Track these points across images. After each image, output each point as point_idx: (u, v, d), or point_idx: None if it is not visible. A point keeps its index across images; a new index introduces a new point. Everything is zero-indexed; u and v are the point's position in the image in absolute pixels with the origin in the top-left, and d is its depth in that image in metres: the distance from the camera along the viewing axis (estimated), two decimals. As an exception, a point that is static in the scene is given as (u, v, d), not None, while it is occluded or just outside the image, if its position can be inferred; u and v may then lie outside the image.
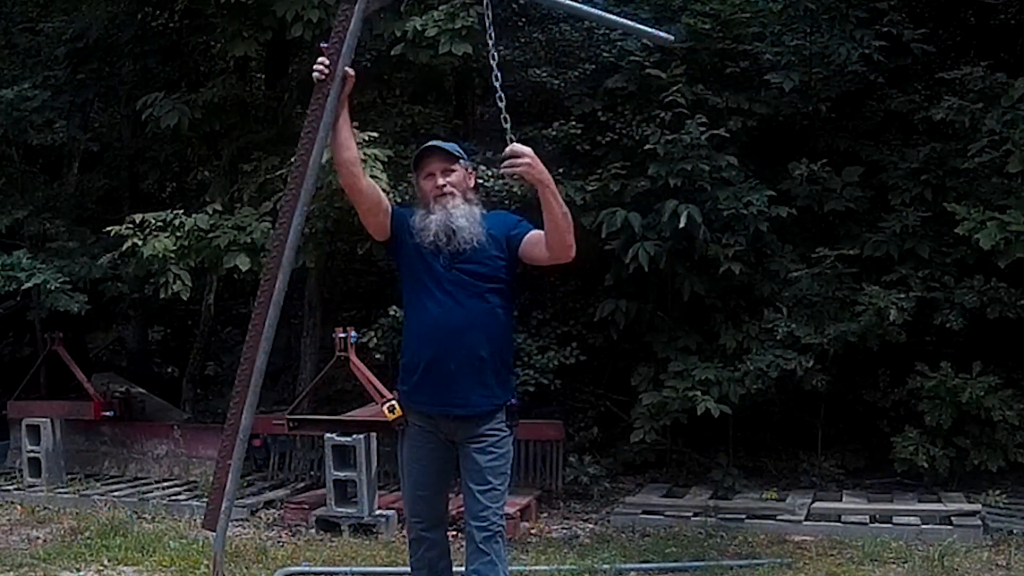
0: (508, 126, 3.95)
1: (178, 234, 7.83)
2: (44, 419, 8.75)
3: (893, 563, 6.13)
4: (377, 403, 7.02)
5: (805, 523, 6.91)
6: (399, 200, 6.86)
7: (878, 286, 7.43)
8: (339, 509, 7.08)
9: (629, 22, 4.69)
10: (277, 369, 9.67)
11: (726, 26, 8.29)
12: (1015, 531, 6.54)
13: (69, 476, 8.78)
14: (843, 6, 8.23)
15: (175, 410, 10.05)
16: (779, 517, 7.02)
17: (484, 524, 3.98)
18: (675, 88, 7.68)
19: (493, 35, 4.13)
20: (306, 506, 7.37)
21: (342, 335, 7.32)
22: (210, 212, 8.03)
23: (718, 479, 7.68)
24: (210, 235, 7.85)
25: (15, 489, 8.51)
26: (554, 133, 8.09)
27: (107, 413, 9.07)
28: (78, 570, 6.25)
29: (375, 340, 8.04)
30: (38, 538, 7.11)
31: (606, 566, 6.02)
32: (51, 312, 9.25)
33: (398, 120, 8.92)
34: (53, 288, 8.53)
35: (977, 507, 6.90)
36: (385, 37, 7.87)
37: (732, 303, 8.00)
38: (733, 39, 8.38)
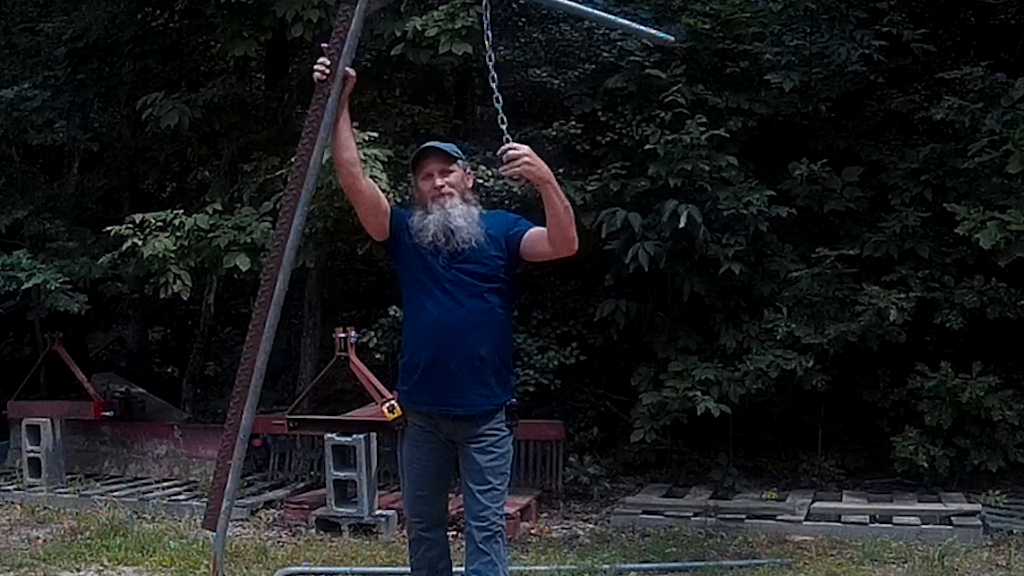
0: (505, 127, 3.95)
1: (178, 234, 7.83)
2: (44, 419, 8.74)
3: (893, 563, 6.13)
4: (377, 403, 7.02)
5: (805, 523, 6.91)
6: (399, 200, 6.87)
7: (878, 286, 7.43)
8: (339, 509, 7.08)
9: (629, 22, 4.68)
10: (277, 369, 9.67)
11: (726, 26, 8.29)
12: (1015, 531, 6.54)
13: (69, 476, 8.78)
14: (843, 6, 8.24)
15: (175, 410, 10.05)
16: (779, 517, 7.02)
17: (484, 524, 3.99)
18: (675, 88, 7.68)
19: (491, 35, 4.13)
20: (306, 506, 7.37)
21: (342, 335, 7.32)
22: (210, 212, 8.03)
23: (718, 479, 7.68)
24: (210, 235, 7.85)
25: (15, 489, 8.51)
26: (554, 133, 8.09)
27: (107, 413, 9.07)
28: (78, 570, 6.25)
29: (375, 340, 8.04)
30: (38, 538, 7.11)
31: (606, 566, 6.02)
32: (51, 312, 9.26)
33: (398, 120, 8.92)
34: (53, 288, 8.53)
35: (977, 507, 6.90)
36: (385, 37, 7.87)
37: (732, 303, 8.00)
38: (733, 39, 8.38)
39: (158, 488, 8.42)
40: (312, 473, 8.38)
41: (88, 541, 6.81)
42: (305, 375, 9.02)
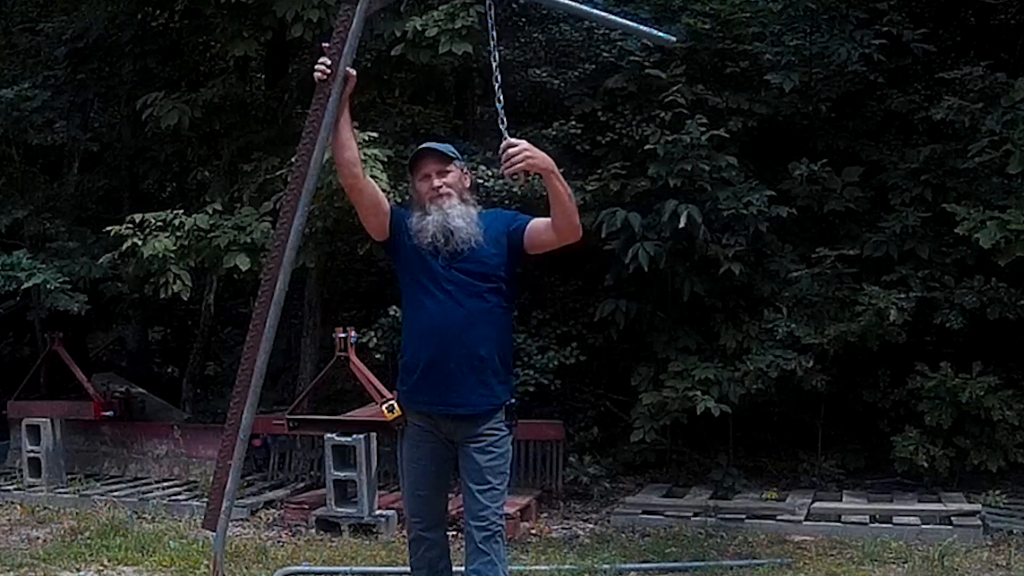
0: (504, 127, 3.96)
1: (178, 234, 7.84)
2: (44, 419, 8.74)
3: (893, 563, 6.13)
4: (377, 403, 7.02)
5: (805, 523, 6.91)
6: (399, 200, 6.87)
7: (878, 286, 7.42)
8: (339, 509, 7.08)
9: (629, 22, 4.68)
10: (277, 369, 9.66)
11: (726, 26, 8.28)
12: (1015, 531, 6.53)
13: (69, 476, 8.78)
14: (843, 6, 8.24)
15: (175, 410, 10.05)
16: (779, 517, 7.02)
17: (483, 524, 3.99)
18: (675, 88, 7.68)
19: (495, 36, 4.14)
20: (306, 506, 7.38)
21: (342, 335, 7.33)
22: (210, 212, 8.04)
23: (718, 479, 7.68)
24: (210, 235, 7.85)
25: (15, 489, 8.51)
26: (554, 133, 8.09)
27: (107, 413, 9.07)
28: (78, 570, 6.25)
29: (375, 340, 8.04)
30: (38, 538, 7.11)
31: (606, 566, 6.02)
32: (51, 312, 9.26)
33: (398, 120, 8.92)
34: (53, 288, 8.53)
35: (977, 507, 6.90)
36: (385, 37, 7.87)
37: (732, 303, 8.00)
38: (733, 39, 8.37)
39: (158, 488, 8.42)
40: (312, 473, 8.38)
41: (88, 541, 6.81)
42: (305, 375, 9.02)
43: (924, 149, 7.91)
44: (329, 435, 7.13)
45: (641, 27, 4.61)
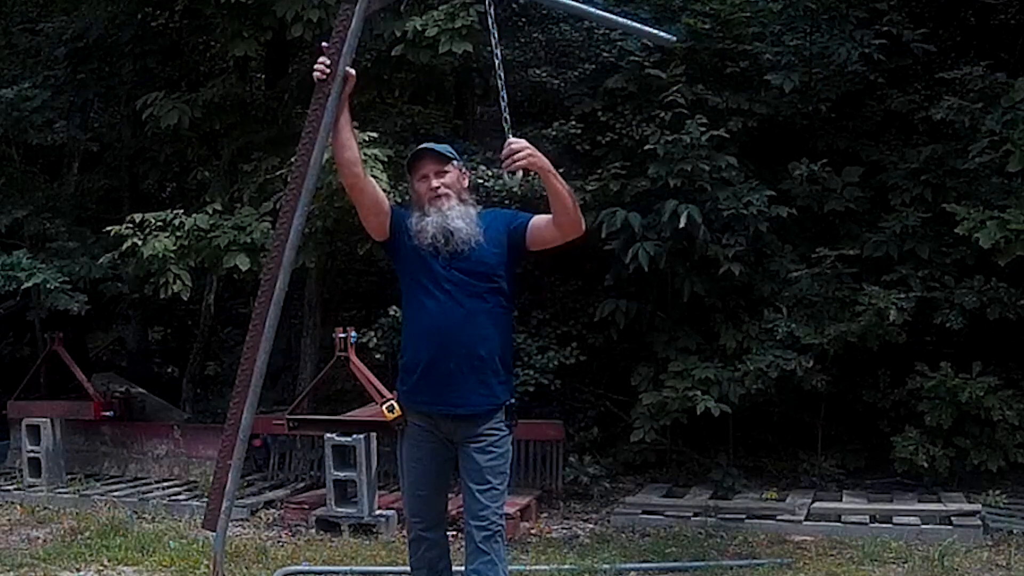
0: (508, 126, 3.97)
1: (178, 234, 7.83)
2: (44, 419, 8.74)
3: (893, 563, 6.13)
4: (377, 403, 7.02)
5: (805, 523, 6.91)
6: (399, 200, 6.87)
7: (878, 286, 7.42)
8: (339, 509, 7.08)
9: (629, 22, 4.69)
10: (277, 369, 9.67)
11: (726, 26, 8.28)
12: (1015, 531, 6.53)
13: (69, 476, 8.77)
14: (843, 6, 8.24)
15: (175, 410, 10.05)
16: (779, 517, 7.02)
17: (483, 524, 3.99)
18: (675, 88, 7.68)
19: (496, 35, 4.14)
20: (306, 506, 7.38)
21: (342, 335, 7.32)
22: (210, 212, 8.04)
23: (718, 479, 7.68)
24: (210, 235, 7.85)
25: (15, 489, 8.51)
26: (554, 133, 8.09)
27: (107, 413, 9.07)
28: (78, 570, 6.25)
29: (375, 340, 8.04)
30: (38, 538, 7.11)
31: (606, 566, 6.02)
32: (51, 312, 9.26)
33: (398, 120, 8.92)
34: (53, 288, 8.53)
35: (977, 507, 6.90)
36: (385, 37, 7.87)
37: (732, 303, 8.00)
38: (733, 39, 8.37)
39: (158, 488, 8.42)
40: (312, 473, 8.38)
41: (88, 541, 6.81)
42: (305, 375, 9.02)
43: (924, 149, 7.91)
44: (329, 435, 7.13)
45: (641, 27, 4.62)
